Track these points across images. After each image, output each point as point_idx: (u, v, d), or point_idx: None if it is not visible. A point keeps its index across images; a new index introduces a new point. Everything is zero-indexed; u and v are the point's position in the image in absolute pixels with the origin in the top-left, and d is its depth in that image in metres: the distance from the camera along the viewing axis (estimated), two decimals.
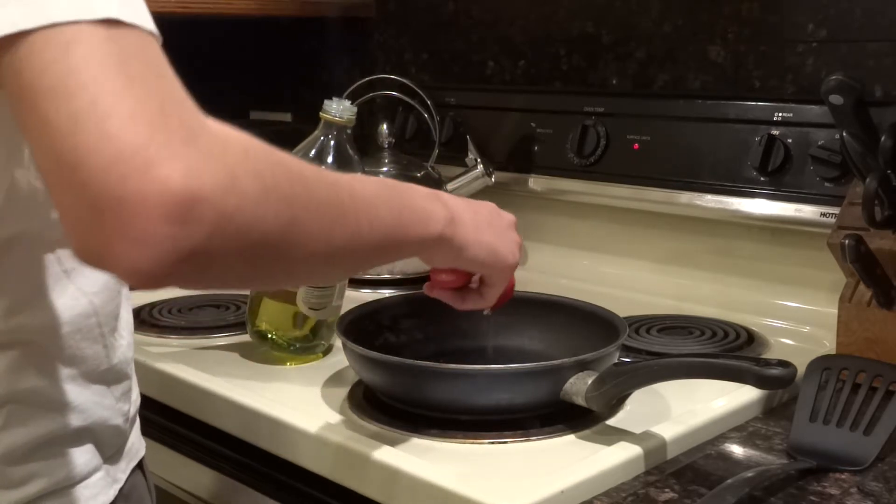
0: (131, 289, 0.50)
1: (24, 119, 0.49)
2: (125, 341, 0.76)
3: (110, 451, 0.74)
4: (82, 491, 0.71)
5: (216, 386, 0.94)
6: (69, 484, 0.70)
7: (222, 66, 1.85)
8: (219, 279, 0.55)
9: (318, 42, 1.77)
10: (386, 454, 0.78)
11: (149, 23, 0.52)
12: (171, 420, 1.00)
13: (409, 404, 0.86)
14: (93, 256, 0.50)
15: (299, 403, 0.90)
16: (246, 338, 1.10)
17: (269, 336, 1.02)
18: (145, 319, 1.17)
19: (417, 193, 0.71)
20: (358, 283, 1.29)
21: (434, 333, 0.99)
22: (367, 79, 1.48)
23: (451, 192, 1.35)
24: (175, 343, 1.10)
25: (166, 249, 0.48)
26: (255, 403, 0.90)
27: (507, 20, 1.49)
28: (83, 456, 0.71)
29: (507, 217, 0.82)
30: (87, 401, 0.71)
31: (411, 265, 1.33)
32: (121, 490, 0.76)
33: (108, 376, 0.73)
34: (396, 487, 0.76)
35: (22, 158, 0.64)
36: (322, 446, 0.83)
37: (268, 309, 1.02)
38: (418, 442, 0.82)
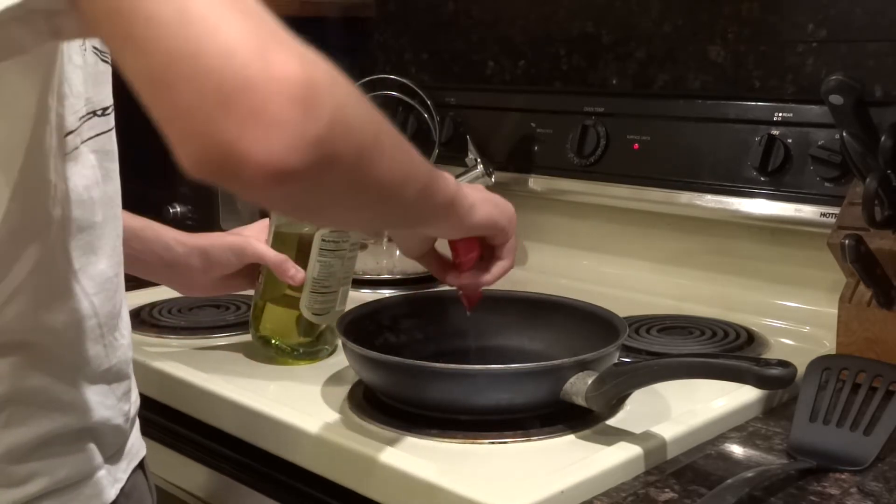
0: (258, 188, 0.49)
1: (123, 26, 0.48)
2: (125, 341, 0.76)
3: (111, 450, 0.74)
4: (83, 490, 0.71)
5: (216, 386, 0.94)
6: (70, 483, 0.70)
7: None
8: (329, 189, 0.55)
9: (318, 42, 1.77)
10: (386, 454, 0.78)
11: None
12: (171, 420, 1.00)
13: (408, 404, 0.86)
14: (220, 153, 0.48)
15: (299, 403, 0.90)
16: (246, 338, 1.10)
17: (273, 342, 1.02)
18: (145, 319, 1.17)
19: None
20: (358, 283, 1.29)
21: (434, 333, 0.99)
22: (367, 79, 1.48)
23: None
24: (175, 343, 1.10)
25: (298, 133, 0.48)
26: (255, 403, 0.90)
27: (507, 20, 1.49)
28: (84, 455, 0.71)
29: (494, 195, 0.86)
30: (88, 401, 0.71)
31: (411, 265, 1.34)
32: (122, 490, 0.76)
33: (109, 376, 0.73)
34: (396, 487, 0.76)
35: (35, 149, 0.63)
36: (322, 446, 0.83)
37: (271, 315, 1.02)
38: (418, 442, 0.82)
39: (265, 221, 1.04)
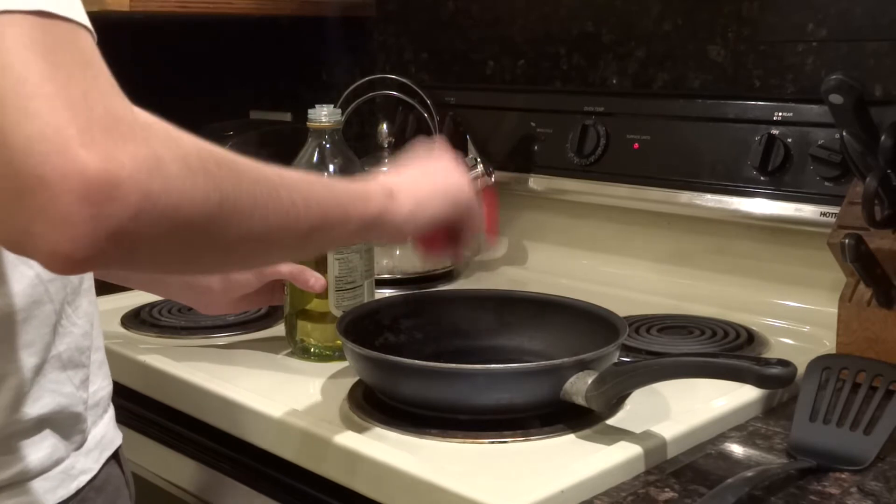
0: (55, 271, 0.51)
1: None
2: (79, 330, 0.75)
3: (74, 440, 0.74)
4: (41, 483, 0.71)
5: (216, 386, 0.94)
6: (27, 477, 0.70)
7: (222, 65, 1.85)
8: (149, 261, 0.56)
9: (318, 42, 1.77)
10: (386, 454, 0.78)
11: (82, 17, 0.53)
12: (170, 420, 1.00)
13: (408, 404, 0.86)
14: (14, 240, 0.50)
15: (300, 403, 0.90)
16: (245, 337, 1.11)
17: (312, 350, 1.03)
18: (145, 319, 1.17)
19: (352, 181, 0.73)
20: None
21: (434, 333, 0.99)
22: (367, 78, 1.48)
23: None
24: (175, 343, 1.10)
25: (87, 230, 0.48)
26: (255, 403, 0.90)
27: (507, 20, 1.49)
28: (42, 446, 0.71)
29: (443, 158, 0.83)
30: (42, 389, 0.71)
31: (411, 265, 1.34)
32: (92, 482, 0.76)
33: (60, 363, 0.73)
34: (396, 487, 0.76)
35: None
36: (322, 446, 0.83)
37: (305, 323, 1.03)
38: (418, 442, 0.82)
39: None
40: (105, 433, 0.79)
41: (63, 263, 0.50)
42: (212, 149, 0.56)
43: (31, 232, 0.49)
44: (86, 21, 0.53)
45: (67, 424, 0.74)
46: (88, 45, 0.53)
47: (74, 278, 0.75)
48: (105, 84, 0.52)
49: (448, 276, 1.37)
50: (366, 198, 0.71)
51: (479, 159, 1.37)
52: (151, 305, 1.21)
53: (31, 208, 0.48)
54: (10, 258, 0.68)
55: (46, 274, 0.70)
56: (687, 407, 0.87)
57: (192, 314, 1.18)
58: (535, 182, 1.38)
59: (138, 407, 1.04)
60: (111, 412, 0.82)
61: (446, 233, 0.83)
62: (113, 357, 1.05)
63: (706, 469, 0.78)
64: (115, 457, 0.80)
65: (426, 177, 0.80)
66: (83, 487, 0.75)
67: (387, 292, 1.19)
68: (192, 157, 0.53)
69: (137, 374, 1.03)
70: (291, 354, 1.05)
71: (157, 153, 0.51)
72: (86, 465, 0.75)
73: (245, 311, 1.15)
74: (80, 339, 0.75)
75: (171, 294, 1.07)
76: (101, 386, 0.80)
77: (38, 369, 0.71)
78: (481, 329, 1.00)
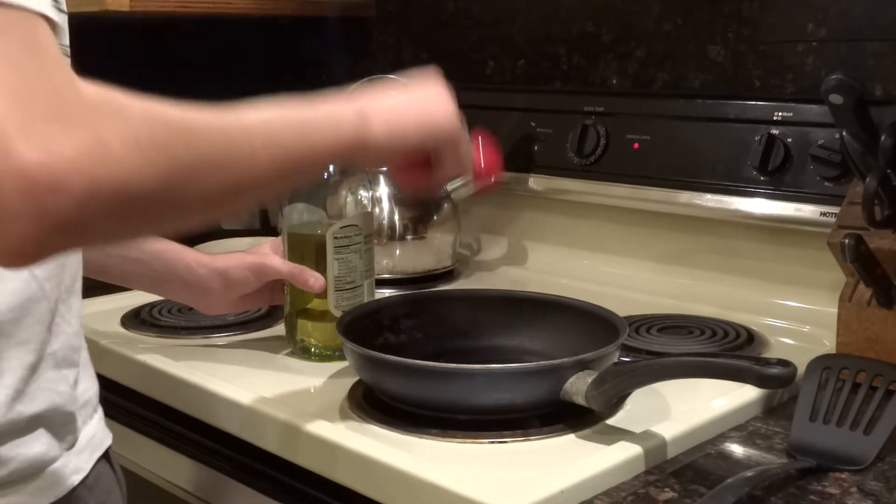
0: (8, 266, 0.51)
1: None
2: (72, 329, 0.75)
3: (66, 440, 0.74)
4: (34, 483, 0.71)
5: (215, 386, 0.94)
6: (20, 477, 0.70)
7: (222, 65, 1.85)
8: (103, 240, 0.56)
9: (318, 42, 1.77)
10: (386, 454, 0.78)
11: (34, 3, 0.52)
12: (170, 420, 1.00)
13: (409, 404, 0.86)
14: None
15: (299, 403, 0.90)
16: (245, 337, 1.11)
17: (313, 350, 1.03)
18: (145, 319, 1.17)
19: (324, 104, 0.69)
20: None
21: (434, 333, 0.99)
22: (366, 79, 1.48)
23: (450, 191, 1.35)
24: (175, 343, 1.10)
25: (33, 225, 0.48)
26: (255, 403, 0.90)
27: (507, 20, 1.49)
28: (35, 446, 0.71)
29: (431, 86, 0.78)
30: (37, 388, 0.71)
31: (411, 265, 1.34)
32: (84, 481, 0.76)
33: (54, 362, 0.73)
34: (396, 487, 0.76)
35: None
36: (322, 446, 0.83)
37: (305, 323, 1.03)
38: (418, 442, 0.82)
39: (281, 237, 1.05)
40: (95, 433, 0.79)
41: (14, 258, 0.50)
42: (164, 114, 0.55)
43: None
44: (40, 6, 0.53)
45: (60, 423, 0.74)
46: (39, 31, 0.52)
47: (68, 278, 0.75)
48: (51, 68, 0.51)
49: (448, 276, 1.37)
50: (337, 124, 0.68)
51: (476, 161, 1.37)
52: (151, 305, 1.21)
53: None
54: None
55: (41, 272, 0.70)
56: (687, 407, 0.87)
57: (192, 314, 1.18)
58: (535, 182, 1.38)
59: (138, 407, 1.04)
60: (100, 412, 0.82)
61: (426, 163, 0.78)
62: (113, 357, 1.06)
63: (706, 469, 0.78)
64: (106, 456, 0.80)
65: (407, 102, 0.75)
66: (76, 487, 0.75)
67: (387, 292, 1.19)
68: (139, 130, 0.53)
69: (137, 373, 1.03)
70: (291, 354, 1.05)
71: (102, 136, 0.50)
72: (78, 464, 0.75)
73: (245, 311, 1.15)
74: (73, 337, 0.76)
75: (171, 294, 1.07)
76: (89, 386, 0.80)
77: (34, 367, 0.71)
78: (481, 329, 1.00)
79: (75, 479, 0.75)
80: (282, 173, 0.64)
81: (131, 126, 0.52)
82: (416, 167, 0.78)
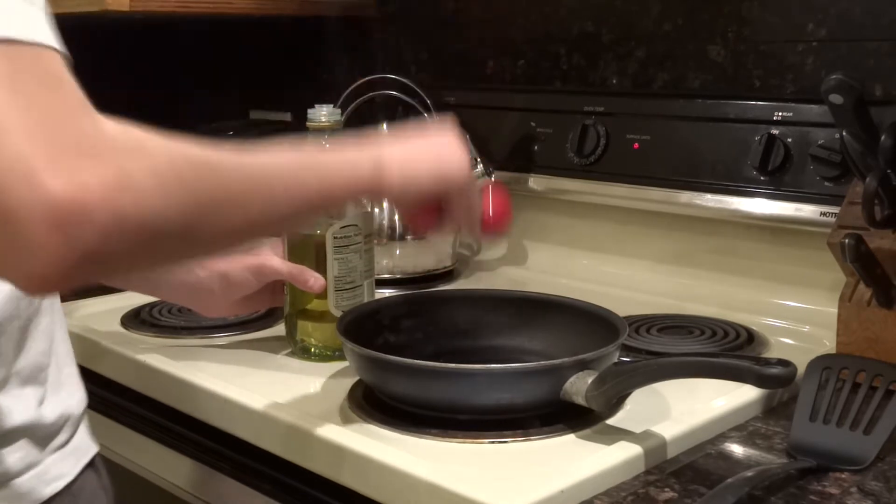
0: (33, 294, 0.52)
1: None
2: (38, 347, 0.76)
3: (50, 447, 0.74)
4: (13, 488, 0.71)
5: (216, 386, 0.94)
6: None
7: (222, 65, 1.85)
8: (125, 270, 0.57)
9: (318, 42, 1.77)
10: (386, 454, 0.78)
11: (47, 38, 0.53)
12: (170, 420, 1.00)
13: (409, 404, 0.86)
14: None
15: (299, 403, 0.90)
16: (245, 337, 1.11)
17: (313, 350, 1.03)
18: (145, 319, 1.17)
19: (342, 148, 0.71)
20: None
21: (434, 333, 0.99)
22: (367, 78, 1.48)
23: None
24: (174, 343, 1.10)
25: (58, 256, 0.49)
26: (255, 403, 0.90)
27: (507, 20, 1.49)
28: (16, 453, 0.72)
29: (446, 135, 0.79)
30: (8, 405, 0.72)
31: (411, 265, 1.34)
32: (69, 487, 0.76)
33: (20, 379, 0.73)
34: (396, 487, 0.76)
35: None
36: (322, 446, 0.83)
37: (305, 323, 1.03)
38: (418, 442, 0.82)
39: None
40: (79, 444, 0.79)
41: (39, 286, 0.52)
42: (185, 151, 0.56)
43: (4, 260, 0.50)
44: (52, 41, 0.53)
45: (40, 434, 0.74)
46: (53, 65, 0.53)
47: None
48: (71, 103, 0.52)
49: (448, 276, 1.37)
50: (354, 169, 0.70)
51: (479, 159, 1.37)
52: (151, 305, 1.21)
53: (2, 239, 0.49)
54: None
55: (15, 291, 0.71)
56: (687, 407, 0.87)
57: (192, 314, 1.17)
58: (535, 182, 1.38)
59: (138, 407, 1.04)
60: (85, 422, 0.82)
61: (436, 209, 0.80)
62: (113, 357, 1.06)
63: (706, 469, 0.78)
64: (92, 464, 0.80)
65: (421, 150, 0.77)
66: (59, 493, 0.75)
67: (387, 292, 1.19)
68: (162, 166, 0.53)
69: (137, 373, 1.03)
70: (291, 354, 1.05)
71: (126, 169, 0.51)
72: (61, 470, 0.75)
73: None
74: (39, 356, 0.76)
75: (171, 297, 1.07)
76: (69, 403, 0.80)
77: (3, 383, 0.72)
78: (481, 329, 1.00)
79: (57, 486, 0.75)
80: (298, 213, 0.66)
81: (154, 161, 0.53)
82: (428, 211, 0.81)
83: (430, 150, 0.78)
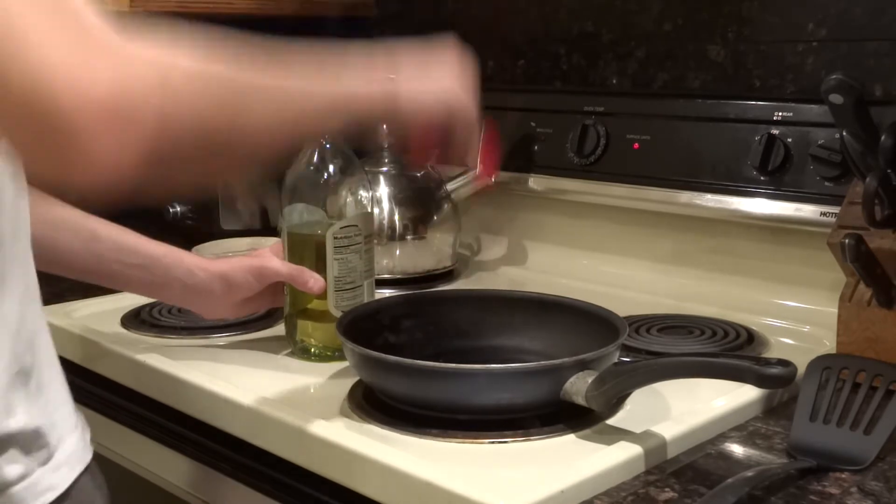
0: (99, 194, 0.53)
1: None
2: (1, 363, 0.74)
3: (38, 457, 0.74)
4: (6, 499, 0.71)
5: (216, 386, 0.94)
6: None
7: None
8: (181, 170, 0.58)
9: (318, 42, 1.77)
10: (386, 454, 0.78)
11: None
12: (170, 420, 1.00)
13: (409, 404, 0.86)
14: (52, 181, 0.53)
15: (299, 403, 0.90)
16: (245, 337, 1.10)
17: (313, 350, 1.03)
18: (145, 319, 1.17)
19: (356, 56, 0.74)
20: None
21: (434, 333, 0.99)
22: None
23: (451, 191, 1.35)
24: (174, 343, 1.10)
25: (117, 158, 0.50)
26: (255, 403, 0.90)
27: (507, 20, 1.49)
28: (7, 464, 0.71)
29: (453, 59, 0.81)
30: None
31: (411, 265, 1.34)
32: (69, 493, 0.75)
33: (13, 439, 0.73)
34: (396, 487, 0.76)
35: None
36: (322, 446, 0.83)
37: (305, 324, 1.03)
38: (418, 442, 0.82)
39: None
40: (74, 451, 0.78)
41: (110, 183, 0.51)
42: (218, 55, 0.59)
43: (65, 172, 0.50)
44: None
45: (30, 443, 0.73)
46: None
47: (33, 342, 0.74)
48: (96, 17, 0.53)
49: (448, 276, 1.37)
50: (369, 80, 0.74)
51: (479, 159, 1.37)
52: (151, 306, 1.21)
53: (58, 150, 0.49)
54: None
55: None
56: (687, 407, 0.87)
57: (192, 314, 1.17)
58: (535, 182, 1.38)
59: (138, 407, 1.04)
60: (79, 431, 0.80)
61: (437, 134, 0.81)
62: (113, 357, 1.06)
63: (706, 469, 0.78)
64: (88, 471, 0.80)
65: (428, 75, 0.78)
66: (57, 502, 0.74)
67: (387, 292, 1.19)
68: (198, 69, 0.56)
69: (137, 373, 1.03)
70: (291, 354, 1.05)
71: (163, 72, 0.53)
72: (52, 481, 0.75)
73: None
74: (38, 417, 0.74)
75: (172, 299, 1.07)
76: (63, 411, 0.79)
77: None
78: (481, 329, 1.00)
79: (49, 497, 0.74)
80: (321, 117, 0.70)
81: (189, 64, 0.56)
82: (427, 136, 0.81)
83: (436, 73, 0.79)
